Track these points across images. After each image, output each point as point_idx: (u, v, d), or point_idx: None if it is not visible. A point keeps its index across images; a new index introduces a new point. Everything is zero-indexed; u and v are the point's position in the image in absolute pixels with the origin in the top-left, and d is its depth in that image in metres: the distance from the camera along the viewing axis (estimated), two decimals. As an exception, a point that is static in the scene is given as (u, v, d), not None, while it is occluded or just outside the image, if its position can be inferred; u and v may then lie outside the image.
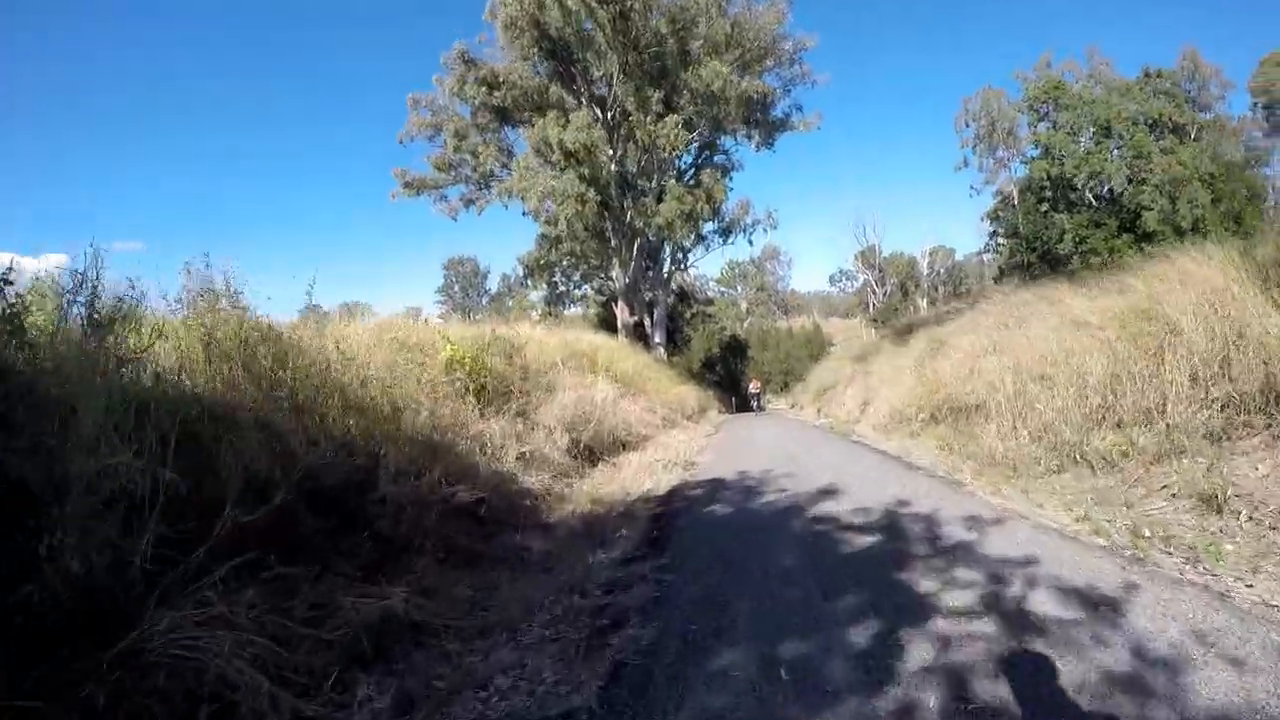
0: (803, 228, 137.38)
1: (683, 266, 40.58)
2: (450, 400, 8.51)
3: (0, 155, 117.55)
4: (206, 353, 5.76)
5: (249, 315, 6.43)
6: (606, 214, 30.37)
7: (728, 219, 32.12)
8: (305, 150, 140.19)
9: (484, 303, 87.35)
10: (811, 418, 22.92)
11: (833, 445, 13.36)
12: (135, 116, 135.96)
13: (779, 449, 12.83)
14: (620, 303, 33.45)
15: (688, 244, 32.37)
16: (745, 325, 74.37)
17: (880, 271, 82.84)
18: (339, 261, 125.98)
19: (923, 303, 77.14)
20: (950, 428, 12.07)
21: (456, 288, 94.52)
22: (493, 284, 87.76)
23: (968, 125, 46.51)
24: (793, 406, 41.40)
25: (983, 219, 53.13)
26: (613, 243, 31.72)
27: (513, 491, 7.22)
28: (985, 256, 74.07)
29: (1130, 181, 37.31)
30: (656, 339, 39.70)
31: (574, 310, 44.20)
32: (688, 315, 59.91)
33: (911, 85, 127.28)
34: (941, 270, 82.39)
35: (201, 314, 6.09)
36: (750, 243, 32.48)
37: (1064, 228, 38.35)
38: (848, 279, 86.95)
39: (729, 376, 51.23)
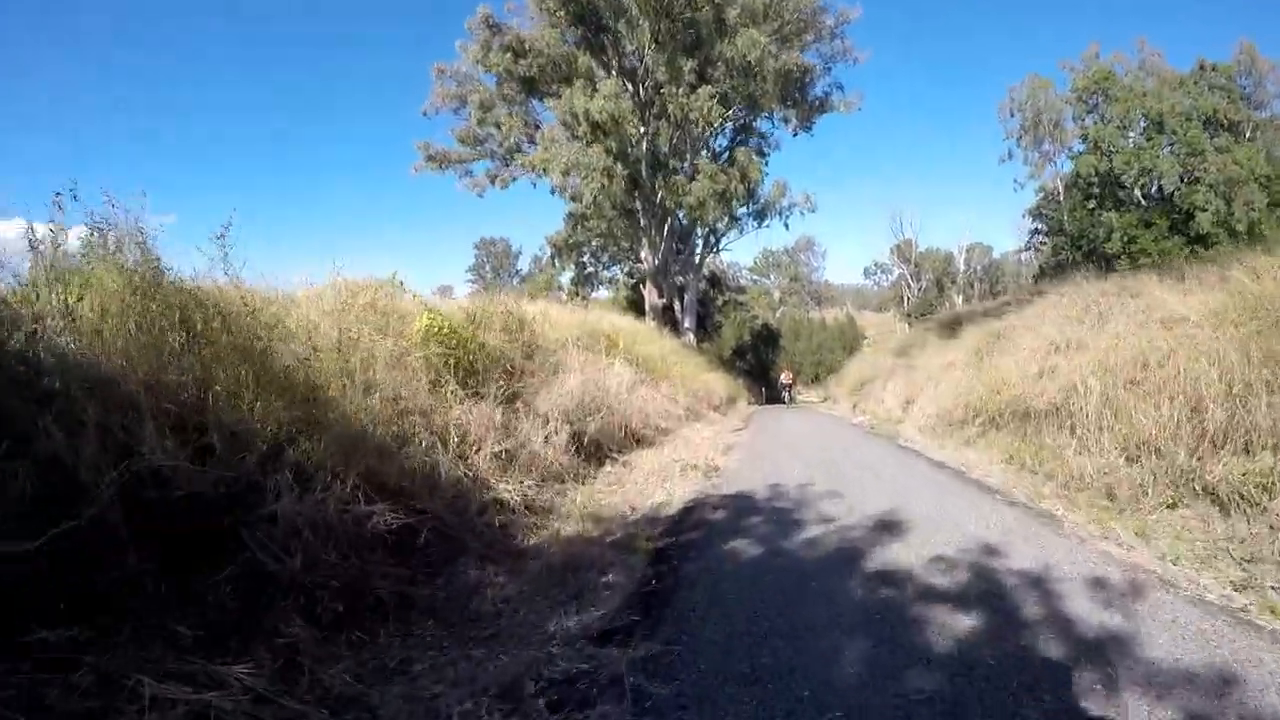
0: (838, 219, 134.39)
1: (715, 250, 38.63)
2: (420, 379, 6.80)
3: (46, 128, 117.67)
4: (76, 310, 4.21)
5: (161, 271, 4.86)
6: (636, 192, 28.55)
7: (763, 201, 29.97)
8: (337, 127, 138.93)
9: (515, 283, 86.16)
10: (847, 413, 21.03)
11: (878, 451, 11.48)
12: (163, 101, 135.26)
13: (817, 453, 11.01)
14: (649, 285, 31.65)
15: (720, 226, 30.30)
16: (777, 315, 72.30)
17: (916, 266, 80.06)
18: (370, 238, 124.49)
19: (958, 299, 74.40)
20: (1015, 435, 10.22)
21: (488, 268, 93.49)
22: (524, 265, 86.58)
23: (1013, 115, 43.78)
24: (825, 400, 39.31)
25: (1024, 215, 50.68)
26: (642, 222, 29.88)
27: (477, 505, 5.51)
28: (1024, 255, 71.21)
29: (1183, 180, 34.85)
30: (686, 324, 37.89)
31: (603, 294, 42.61)
32: (719, 302, 58.00)
33: (953, 70, 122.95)
34: (978, 268, 79.41)
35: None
36: (786, 226, 30.49)
37: (1112, 226, 36.09)
38: (883, 272, 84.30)
39: (759, 366, 49.25)
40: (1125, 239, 35.10)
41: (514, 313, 11.00)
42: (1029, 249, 51.31)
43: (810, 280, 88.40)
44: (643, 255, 31.44)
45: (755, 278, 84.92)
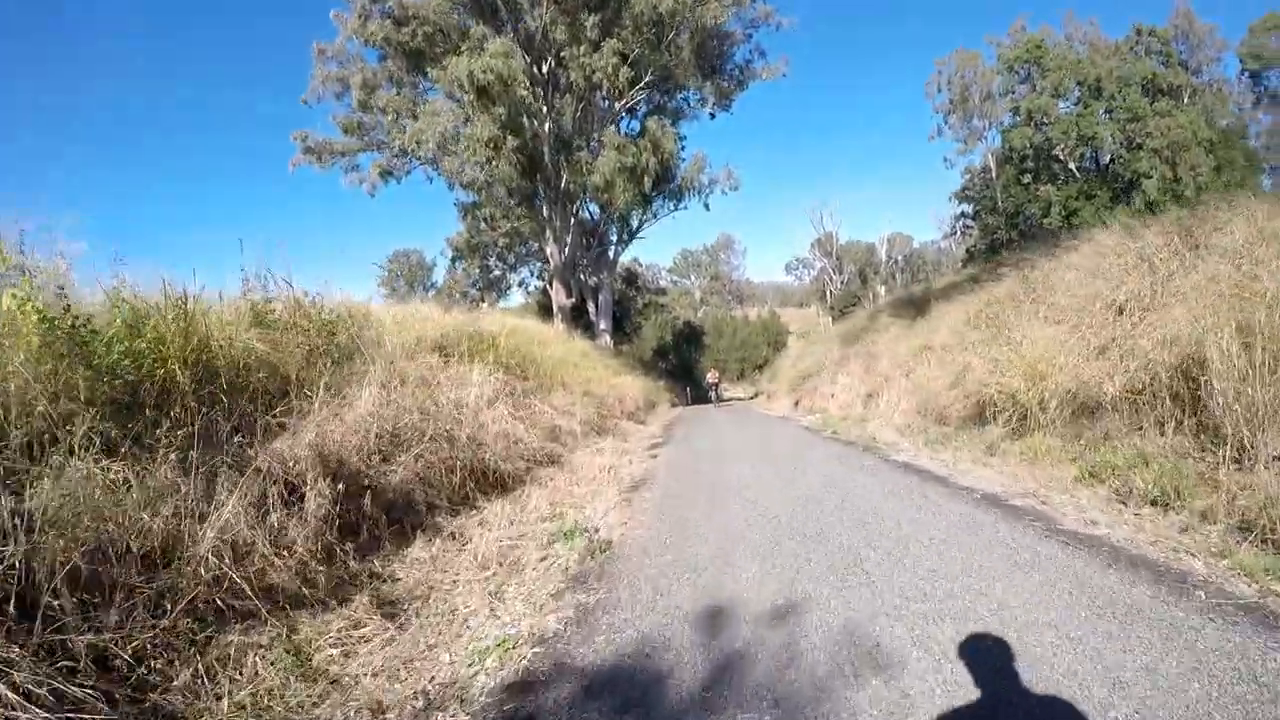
0: (757, 217, 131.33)
1: (629, 242, 34.55)
2: None
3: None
4: None
5: None
6: (537, 176, 24.26)
7: (679, 179, 25.79)
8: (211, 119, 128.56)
9: (430, 296, 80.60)
10: (790, 412, 17.25)
11: (873, 475, 7.33)
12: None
13: (778, 489, 6.81)
14: (555, 284, 27.31)
15: (633, 212, 25.95)
16: (699, 314, 68.88)
17: (838, 259, 77.91)
18: (296, 251, 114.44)
19: (881, 289, 72.49)
20: (1069, 438, 6.45)
21: (401, 281, 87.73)
22: (440, 277, 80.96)
23: (940, 90, 41.18)
24: (755, 397, 35.63)
25: (950, 199, 48.44)
26: (545, 213, 25.52)
27: None
28: (946, 243, 69.66)
29: (1126, 147, 32.84)
30: (601, 325, 33.76)
31: (519, 300, 38.11)
32: (640, 304, 54.28)
33: (873, 53, 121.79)
34: (899, 258, 77.58)
35: None
36: (706, 206, 26.44)
37: (1050, 200, 33.70)
38: (804, 267, 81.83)
39: (683, 366, 45.43)
40: (1065, 212, 32.77)
41: (304, 304, 6.74)
42: (955, 233, 48.95)
43: (731, 279, 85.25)
44: (549, 251, 27.07)
45: (675, 278, 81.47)
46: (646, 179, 21.54)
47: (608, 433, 12.12)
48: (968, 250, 43.97)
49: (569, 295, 26.80)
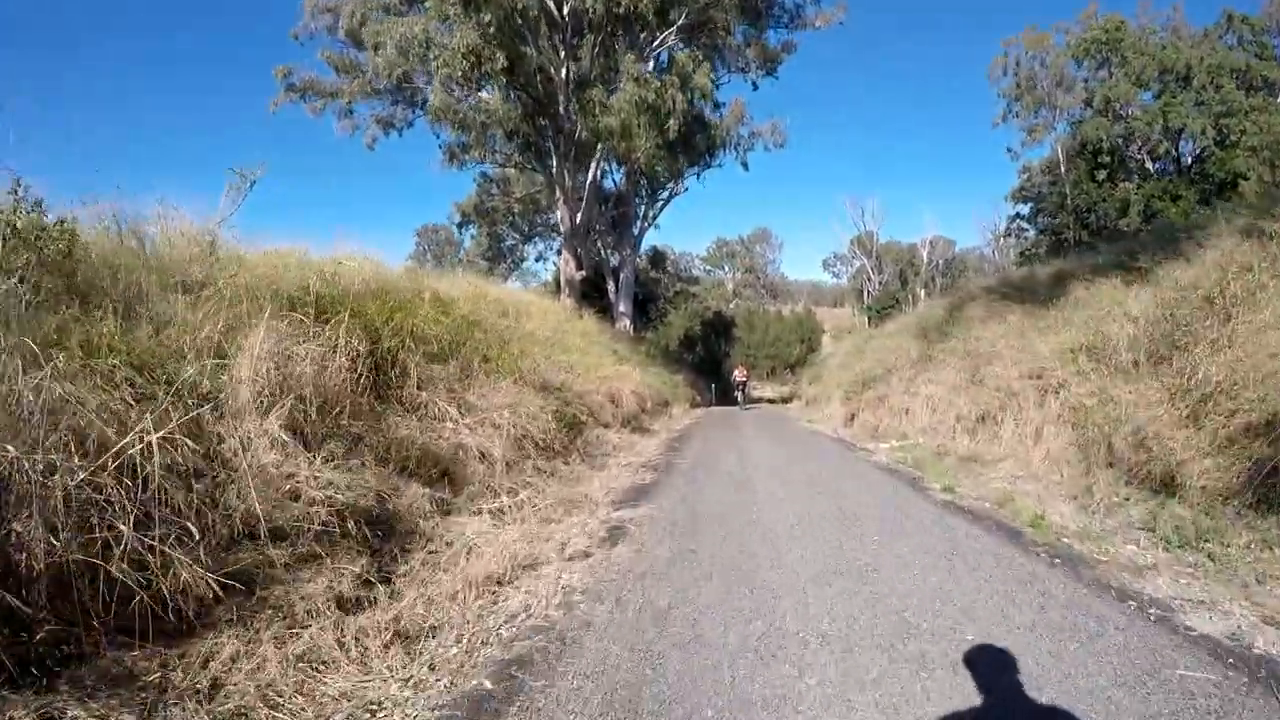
0: (793, 214, 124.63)
1: (655, 218, 29.81)
2: None
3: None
4: None
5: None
6: (544, 121, 19.57)
7: (712, 130, 20.71)
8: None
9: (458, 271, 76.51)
10: (841, 428, 12.43)
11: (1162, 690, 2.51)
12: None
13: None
14: (564, 253, 22.58)
15: (658, 168, 20.81)
16: (731, 307, 63.86)
17: (877, 259, 72.37)
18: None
19: (921, 292, 66.95)
20: None
21: (429, 255, 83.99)
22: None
23: (1006, 74, 35.71)
24: (789, 400, 30.66)
25: (1006, 198, 43.35)
26: (555, 167, 20.80)
27: None
28: (989, 249, 63.79)
29: (1218, 144, 27.66)
30: (621, 308, 29.13)
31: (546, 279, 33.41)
32: (670, 291, 49.55)
33: (926, 39, 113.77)
34: (940, 262, 71.63)
35: None
36: (745, 165, 21.40)
37: (1128, 199, 28.62)
38: (843, 264, 76.27)
39: (710, 359, 40.52)
40: (1145, 213, 27.71)
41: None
42: (1009, 235, 43.43)
43: (765, 273, 79.89)
44: (559, 215, 22.34)
45: (709, 268, 76.44)
46: (672, 122, 16.57)
47: (571, 454, 7.46)
48: (1022, 254, 38.69)
49: (580, 268, 22.06)
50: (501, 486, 5.31)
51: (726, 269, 76.69)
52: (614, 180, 28.28)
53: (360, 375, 4.83)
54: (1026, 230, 41.25)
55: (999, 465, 7.01)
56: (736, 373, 25.47)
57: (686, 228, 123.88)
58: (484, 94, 17.89)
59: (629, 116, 16.10)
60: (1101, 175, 30.63)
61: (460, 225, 30.92)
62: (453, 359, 6.75)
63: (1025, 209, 40.85)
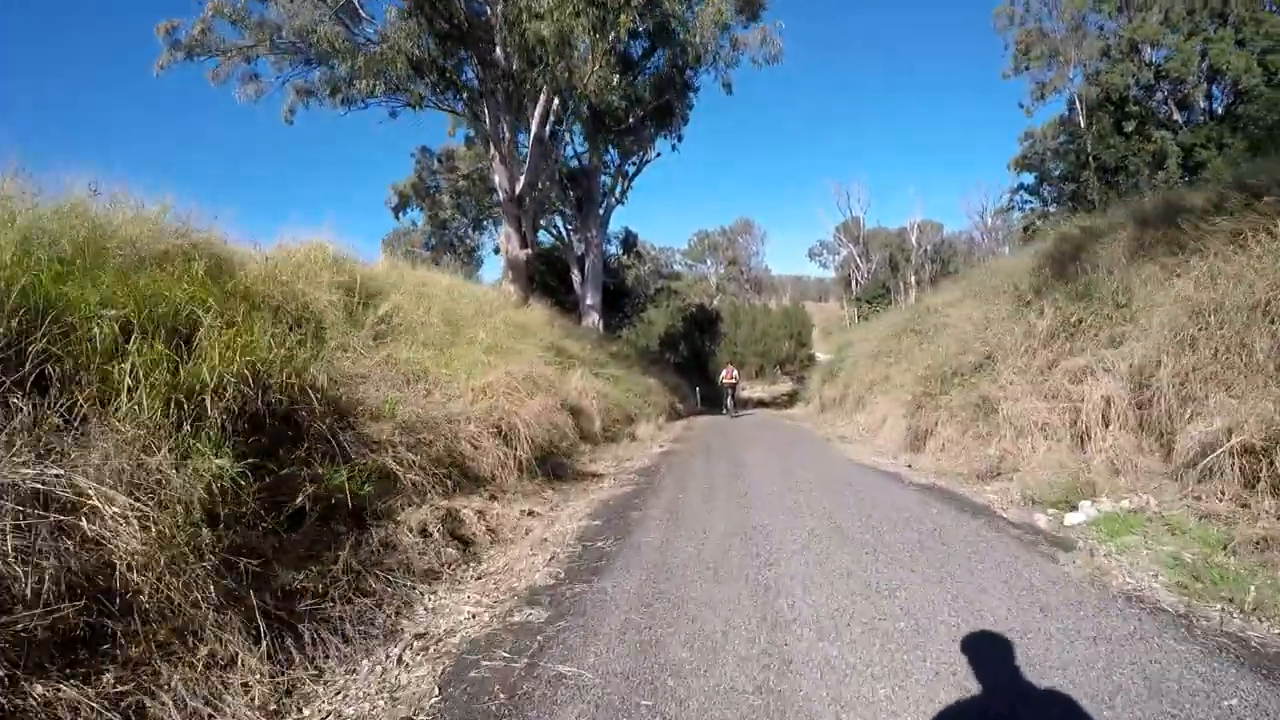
0: (775, 206, 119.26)
1: (624, 192, 24.64)
2: None
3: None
4: None
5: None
6: (466, 48, 14.40)
7: (682, 34, 14.99)
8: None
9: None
10: (905, 458, 7.27)
11: None
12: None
13: None
14: (505, 227, 17.39)
15: (611, 97, 14.89)
16: (715, 302, 58.81)
17: (864, 245, 67.55)
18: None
19: (912, 279, 62.31)
20: None
21: (400, 252, 78.58)
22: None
23: (1014, 23, 30.96)
24: (789, 403, 25.55)
25: (1009, 166, 38.62)
26: (487, 115, 15.59)
27: None
28: (976, 235, 59.19)
29: (1267, 83, 23.18)
30: (589, 300, 24.08)
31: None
32: (651, 290, 44.51)
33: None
34: (928, 247, 66.78)
35: None
36: (728, 88, 16.02)
37: (1165, 150, 24.03)
38: (829, 252, 71.38)
39: (694, 358, 35.34)
40: (1185, 165, 23.17)
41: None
42: (1013, 208, 38.62)
43: (749, 266, 74.80)
44: (495, 179, 17.08)
45: (690, 263, 71.41)
46: (624, 21, 11.35)
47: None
48: (1025, 228, 33.94)
49: (525, 245, 16.91)
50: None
51: (709, 262, 71.57)
52: (575, 150, 23.25)
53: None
54: (1029, 201, 36.56)
55: None
56: (724, 374, 20.49)
57: (666, 221, 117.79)
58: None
59: (565, 18, 11.00)
60: (1130, 126, 26.13)
61: (398, 209, 25.72)
62: None
63: (1029, 178, 36.26)
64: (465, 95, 15.33)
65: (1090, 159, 27.27)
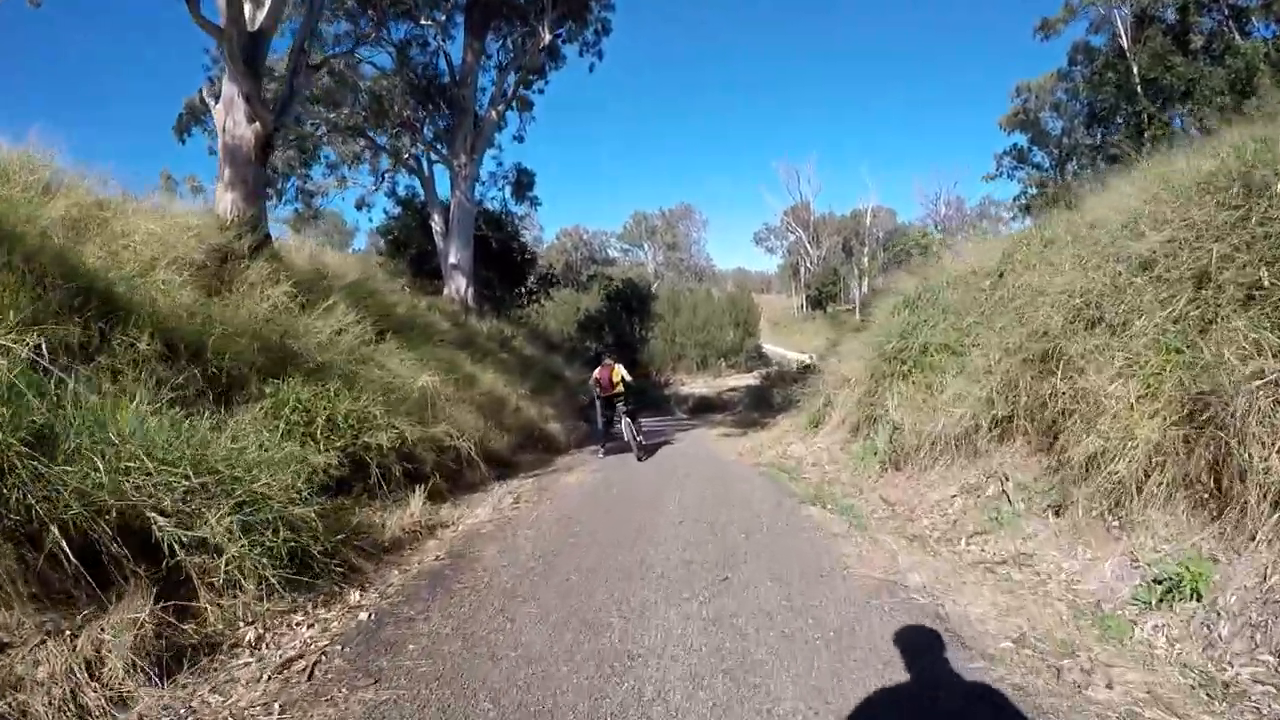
0: (717, 186, 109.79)
1: (512, 95, 16.26)
2: None
3: None
4: None
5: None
6: None
7: None
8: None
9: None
10: None
11: None
12: None
13: None
14: (224, 82, 8.71)
15: None
16: (654, 287, 50.48)
17: (814, 231, 60.12)
18: None
19: (867, 263, 55.24)
20: None
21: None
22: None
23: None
24: (734, 406, 16.99)
25: (1000, 125, 31.72)
26: None
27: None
28: (929, 223, 52.25)
29: None
30: (453, 258, 15.65)
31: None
32: (584, 277, 35.91)
33: None
34: (881, 233, 59.65)
35: None
36: None
37: (1255, 66, 16.73)
38: (775, 236, 63.53)
39: (622, 345, 25.92)
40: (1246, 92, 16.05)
41: None
42: (1001, 175, 31.23)
43: (690, 253, 66.51)
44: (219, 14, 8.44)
45: (626, 246, 62.90)
46: None
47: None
48: (1017, 199, 26.70)
49: (255, 118, 8.31)
50: None
51: (646, 247, 63.04)
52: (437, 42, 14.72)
53: None
54: (1022, 166, 29.27)
55: None
56: (597, 372, 9.10)
57: (601, 205, 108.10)
58: None
59: None
60: (1198, 43, 19.11)
61: (178, 132, 16.60)
62: None
63: (1023, 139, 28.91)
64: None
65: (1138, 88, 19.94)
